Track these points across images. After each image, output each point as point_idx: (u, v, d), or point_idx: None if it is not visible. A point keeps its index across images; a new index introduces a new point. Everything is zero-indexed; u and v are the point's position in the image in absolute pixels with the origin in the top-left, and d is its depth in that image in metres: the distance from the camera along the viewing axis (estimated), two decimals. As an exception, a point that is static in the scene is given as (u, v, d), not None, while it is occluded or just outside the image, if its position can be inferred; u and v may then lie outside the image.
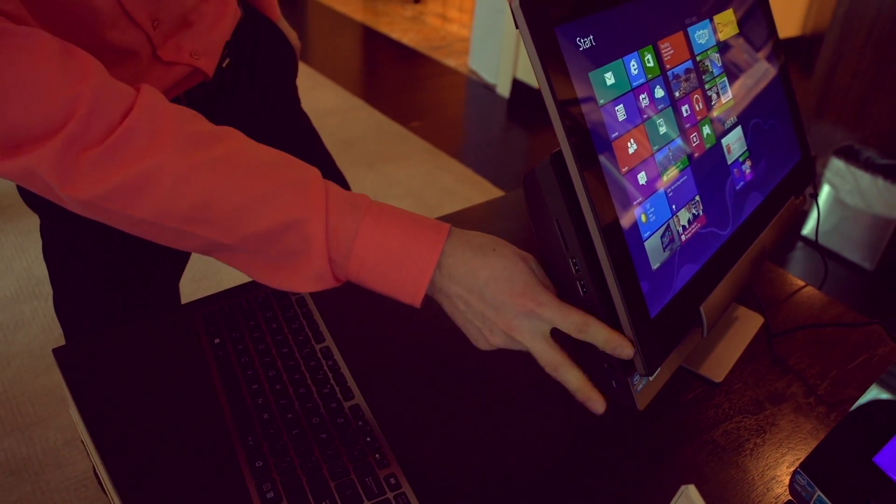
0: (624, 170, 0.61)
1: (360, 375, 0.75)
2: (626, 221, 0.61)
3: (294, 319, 0.79)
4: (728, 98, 0.79)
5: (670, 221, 0.67)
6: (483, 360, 0.78)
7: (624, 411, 0.68)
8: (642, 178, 0.64)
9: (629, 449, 0.72)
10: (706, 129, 0.74)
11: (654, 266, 0.64)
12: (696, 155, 0.72)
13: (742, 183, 0.79)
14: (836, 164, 2.68)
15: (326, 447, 0.65)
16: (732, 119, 0.79)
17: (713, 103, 0.76)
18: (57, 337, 2.02)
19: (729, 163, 0.77)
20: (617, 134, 0.61)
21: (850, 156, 2.70)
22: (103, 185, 0.58)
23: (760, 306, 0.92)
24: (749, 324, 0.89)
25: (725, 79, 0.79)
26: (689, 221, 0.69)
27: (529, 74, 3.44)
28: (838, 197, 2.69)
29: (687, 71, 0.72)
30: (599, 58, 0.60)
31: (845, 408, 0.80)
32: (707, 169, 0.73)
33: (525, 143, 3.38)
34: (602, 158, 0.59)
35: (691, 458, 0.72)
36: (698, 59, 0.74)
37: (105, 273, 0.94)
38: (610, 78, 0.61)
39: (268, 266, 0.63)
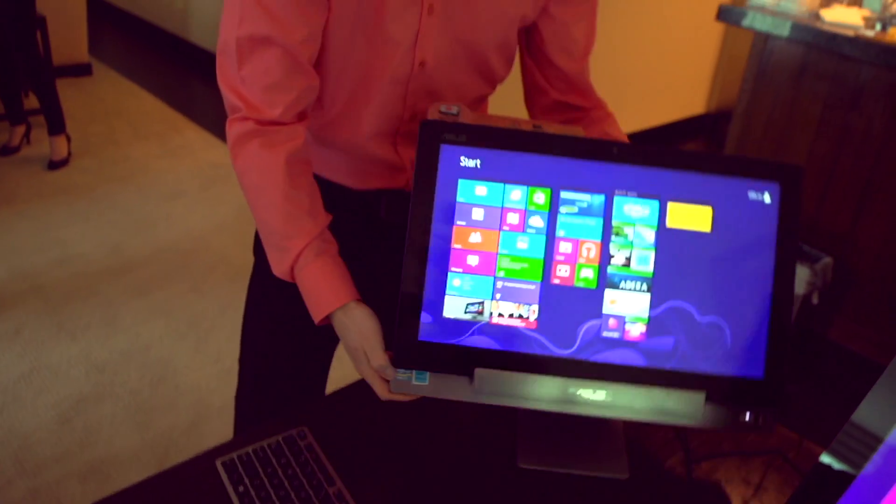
0: (455, 245, 0.89)
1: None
2: (432, 272, 0.89)
3: (306, 464, 0.91)
4: (644, 268, 0.90)
5: (487, 301, 0.89)
6: (475, 491, 0.92)
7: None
8: (472, 259, 0.89)
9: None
10: (585, 272, 0.90)
11: (446, 314, 0.89)
12: (555, 280, 0.90)
13: (614, 333, 0.90)
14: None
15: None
16: (642, 287, 0.90)
17: (613, 261, 0.90)
18: None
19: (602, 309, 0.90)
20: (463, 223, 0.89)
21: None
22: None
23: (683, 436, 1.07)
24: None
25: (652, 252, 0.90)
26: (510, 314, 0.89)
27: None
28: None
29: (586, 224, 0.90)
30: (477, 174, 0.90)
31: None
32: (566, 296, 0.90)
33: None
34: (435, 228, 0.89)
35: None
36: (614, 223, 0.90)
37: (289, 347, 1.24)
38: (481, 190, 0.89)
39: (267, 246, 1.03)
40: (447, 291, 0.89)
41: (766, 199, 0.90)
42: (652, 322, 0.90)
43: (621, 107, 4.47)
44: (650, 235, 0.91)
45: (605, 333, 0.90)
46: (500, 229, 0.89)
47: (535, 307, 0.90)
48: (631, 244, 0.90)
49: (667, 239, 0.90)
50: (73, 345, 2.46)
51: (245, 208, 3.34)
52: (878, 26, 2.86)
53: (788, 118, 3.11)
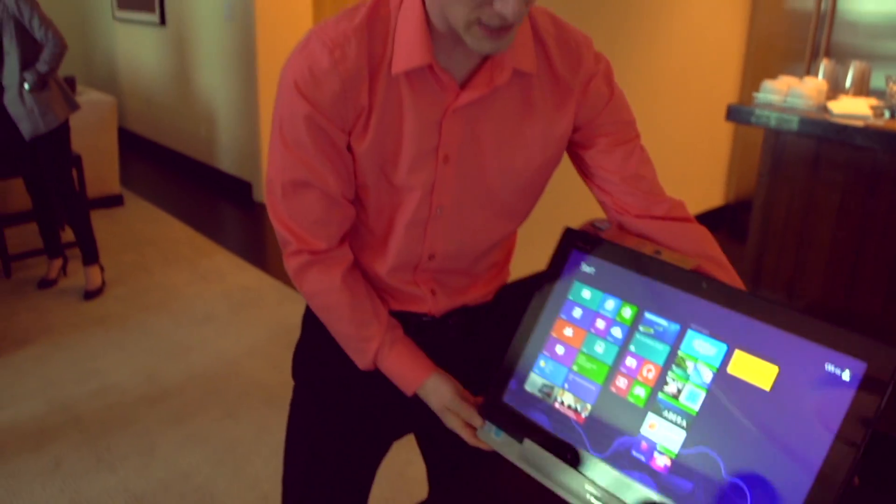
0: (553, 334, 1.03)
1: None
2: (530, 349, 1.04)
3: None
4: (690, 405, 0.89)
5: (556, 387, 1.00)
6: None
7: None
8: (560, 349, 1.01)
9: None
10: (639, 389, 0.92)
11: (526, 387, 1.02)
12: (612, 389, 0.94)
13: (642, 456, 0.90)
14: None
15: None
16: (681, 422, 0.89)
17: (665, 388, 0.91)
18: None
19: (640, 429, 0.91)
20: (564, 316, 1.02)
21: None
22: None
23: None
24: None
25: (703, 392, 0.88)
26: (568, 406, 0.97)
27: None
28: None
29: (655, 347, 0.92)
30: (589, 280, 1.02)
31: None
32: (616, 406, 0.93)
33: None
34: (545, 315, 1.04)
35: None
36: (680, 353, 0.91)
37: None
38: (587, 294, 1.02)
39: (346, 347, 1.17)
40: (534, 369, 1.03)
41: (845, 376, 0.80)
42: (679, 459, 0.88)
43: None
44: (708, 375, 0.89)
45: (635, 452, 0.91)
46: (589, 330, 1.00)
47: (589, 406, 0.96)
48: (687, 378, 0.90)
49: (723, 384, 0.87)
50: (111, 476, 2.46)
51: (275, 331, 3.40)
52: (887, 114, 2.92)
53: (808, 208, 3.14)
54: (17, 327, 3.44)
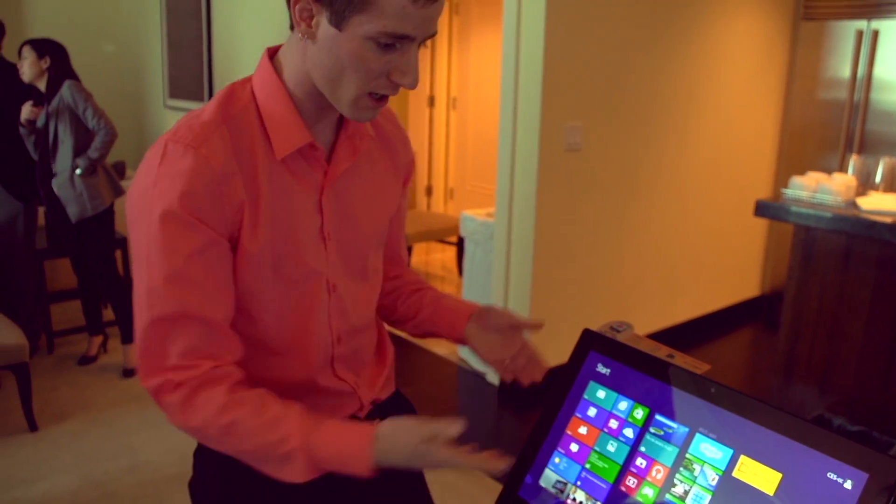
0: (568, 431, 1.04)
1: None
2: (546, 445, 1.05)
3: None
4: None
5: (569, 484, 1.01)
6: None
7: None
8: (574, 446, 1.03)
9: None
10: (647, 490, 0.94)
11: (541, 482, 1.03)
12: (622, 488, 0.96)
13: None
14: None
15: None
16: None
17: (673, 489, 0.93)
18: None
19: None
20: (579, 415, 1.04)
21: (822, 426, 2.90)
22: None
23: None
24: None
25: (709, 495, 0.90)
26: (580, 502, 0.99)
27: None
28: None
29: (665, 449, 0.95)
30: (605, 381, 1.04)
31: None
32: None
33: (516, 427, 3.55)
34: (562, 413, 1.05)
35: None
36: (688, 455, 0.93)
37: None
38: (601, 394, 1.04)
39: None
40: (549, 465, 1.04)
41: (847, 485, 0.82)
42: None
43: (677, 295, 4.51)
44: (713, 478, 0.91)
45: None
46: (602, 429, 1.02)
47: (599, 503, 0.98)
48: (694, 480, 0.92)
49: (728, 487, 0.90)
50: (139, 556, 2.48)
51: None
52: (916, 211, 2.93)
53: (839, 303, 3.14)
54: (57, 402, 3.53)
